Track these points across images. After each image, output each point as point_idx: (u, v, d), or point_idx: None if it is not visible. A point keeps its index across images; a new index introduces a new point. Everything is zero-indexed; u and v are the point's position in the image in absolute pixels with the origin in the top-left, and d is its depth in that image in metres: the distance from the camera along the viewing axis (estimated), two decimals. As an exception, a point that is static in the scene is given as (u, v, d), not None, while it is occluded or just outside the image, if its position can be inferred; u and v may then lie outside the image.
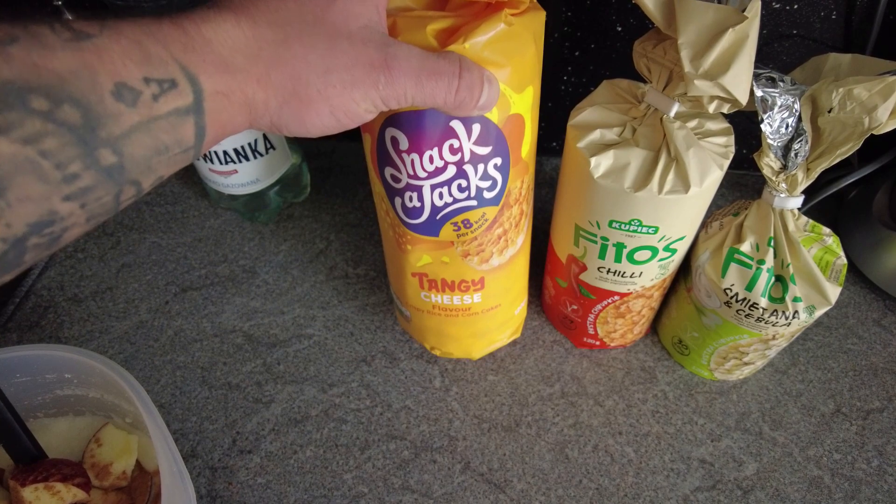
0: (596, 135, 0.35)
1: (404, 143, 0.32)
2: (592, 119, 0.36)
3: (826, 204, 0.57)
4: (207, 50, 0.20)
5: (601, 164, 0.34)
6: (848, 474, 0.42)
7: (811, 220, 0.40)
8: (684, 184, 0.33)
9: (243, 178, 0.52)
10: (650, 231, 0.36)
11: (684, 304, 0.43)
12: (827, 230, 0.40)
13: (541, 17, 0.32)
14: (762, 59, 0.51)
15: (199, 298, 0.53)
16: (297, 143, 0.58)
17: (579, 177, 0.36)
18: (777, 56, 0.50)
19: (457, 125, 0.31)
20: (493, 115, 0.31)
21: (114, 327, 0.51)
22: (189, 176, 0.62)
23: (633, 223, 0.35)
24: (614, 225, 0.36)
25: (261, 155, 0.51)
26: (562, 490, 0.42)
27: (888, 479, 0.42)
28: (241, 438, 0.45)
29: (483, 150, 0.33)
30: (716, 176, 0.34)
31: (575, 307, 0.45)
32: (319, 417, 0.46)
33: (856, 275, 0.52)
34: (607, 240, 0.37)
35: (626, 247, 0.37)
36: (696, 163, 0.33)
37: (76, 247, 0.56)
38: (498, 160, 0.34)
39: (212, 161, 0.50)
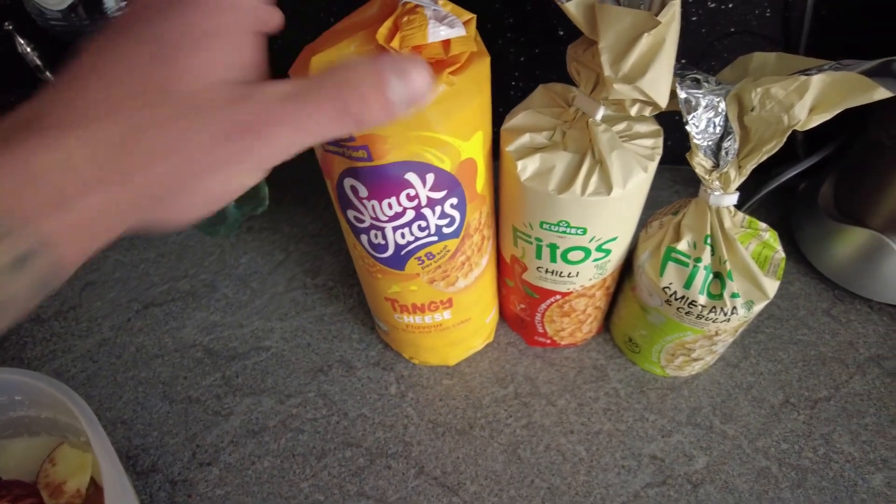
0: (525, 139, 0.36)
1: (363, 192, 0.34)
2: (523, 123, 0.37)
3: (778, 198, 0.58)
4: (42, 182, 0.17)
5: (528, 167, 0.35)
6: (795, 463, 0.43)
7: (748, 217, 0.41)
8: (607, 186, 0.34)
9: (198, 194, 0.52)
10: (579, 232, 0.36)
11: (631, 303, 0.44)
12: (764, 225, 0.41)
13: (485, 63, 0.33)
14: (706, 58, 0.52)
15: (161, 314, 0.53)
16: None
17: (511, 180, 0.36)
18: (719, 54, 0.51)
19: (411, 177, 0.33)
20: (446, 165, 0.33)
21: (76, 346, 0.52)
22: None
23: (561, 224, 0.36)
24: (545, 226, 0.37)
25: (214, 170, 0.51)
26: (514, 490, 0.42)
27: (834, 466, 0.43)
28: (200, 451, 0.45)
29: (438, 195, 0.34)
30: (640, 178, 0.34)
31: (523, 306, 0.46)
32: (277, 428, 0.46)
33: (807, 267, 0.53)
34: (541, 240, 0.38)
35: (558, 247, 0.38)
36: (619, 165, 0.34)
37: (39, 267, 0.57)
38: (454, 200, 0.35)
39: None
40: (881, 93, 0.31)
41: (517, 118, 0.37)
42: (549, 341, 0.48)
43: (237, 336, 0.51)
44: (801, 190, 0.55)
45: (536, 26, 0.50)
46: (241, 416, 0.47)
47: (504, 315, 0.51)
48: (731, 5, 0.47)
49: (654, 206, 0.44)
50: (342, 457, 0.44)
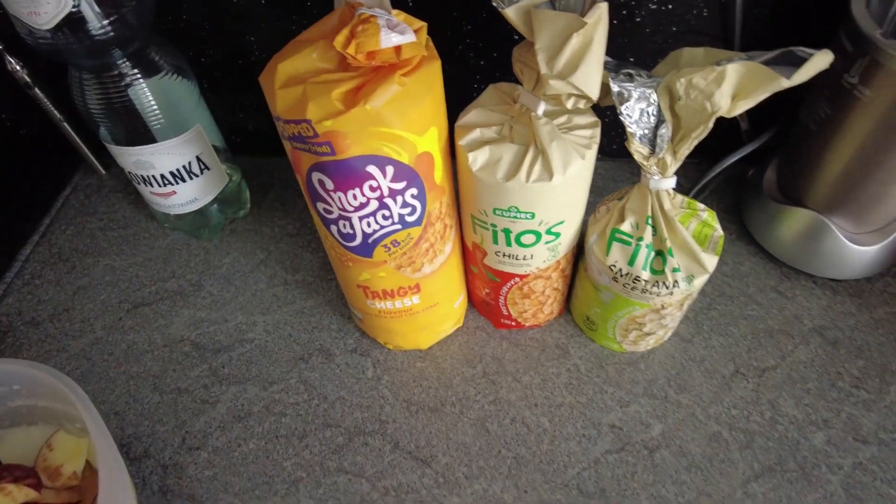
0: (476, 133, 0.39)
1: (330, 185, 0.37)
2: (474, 120, 0.40)
3: (731, 185, 0.62)
4: None
5: (478, 158, 0.38)
6: (744, 427, 0.46)
7: (687, 198, 0.44)
8: (549, 173, 0.37)
9: (182, 199, 0.55)
10: (528, 216, 0.40)
11: (585, 283, 0.48)
12: (702, 206, 0.44)
13: (435, 66, 0.37)
14: (657, 57, 0.56)
15: (150, 313, 0.56)
16: (236, 163, 0.62)
17: (465, 171, 0.40)
18: (664, 51, 0.54)
19: (372, 169, 0.36)
20: (404, 158, 0.36)
21: (70, 346, 0.55)
22: (139, 201, 0.65)
23: (511, 210, 0.39)
24: (497, 212, 0.40)
25: (196, 176, 0.54)
26: (483, 461, 0.45)
27: (779, 428, 0.46)
28: (189, 437, 0.48)
29: (399, 186, 0.37)
30: (578, 165, 0.38)
31: (488, 291, 0.49)
32: (261, 413, 0.49)
33: (756, 248, 0.57)
34: (496, 226, 0.41)
35: (511, 232, 0.41)
36: (559, 154, 0.37)
37: (33, 274, 0.60)
38: (414, 191, 0.38)
39: (151, 185, 0.54)
40: (786, 82, 0.35)
41: (469, 115, 0.41)
42: (514, 323, 0.51)
43: (222, 330, 0.55)
44: (749, 176, 0.58)
45: (493, 32, 0.53)
46: (228, 404, 0.50)
47: (472, 301, 0.54)
48: (671, 6, 0.51)
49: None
50: (322, 437, 0.47)
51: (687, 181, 0.62)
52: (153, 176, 0.53)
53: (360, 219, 0.39)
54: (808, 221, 0.51)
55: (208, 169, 0.55)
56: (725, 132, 0.60)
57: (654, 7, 0.51)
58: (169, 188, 0.54)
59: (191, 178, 0.54)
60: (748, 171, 0.59)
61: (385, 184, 0.37)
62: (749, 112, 0.58)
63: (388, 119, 0.34)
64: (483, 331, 0.53)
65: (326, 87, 0.33)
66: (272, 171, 0.67)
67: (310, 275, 0.58)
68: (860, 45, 0.41)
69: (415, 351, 0.52)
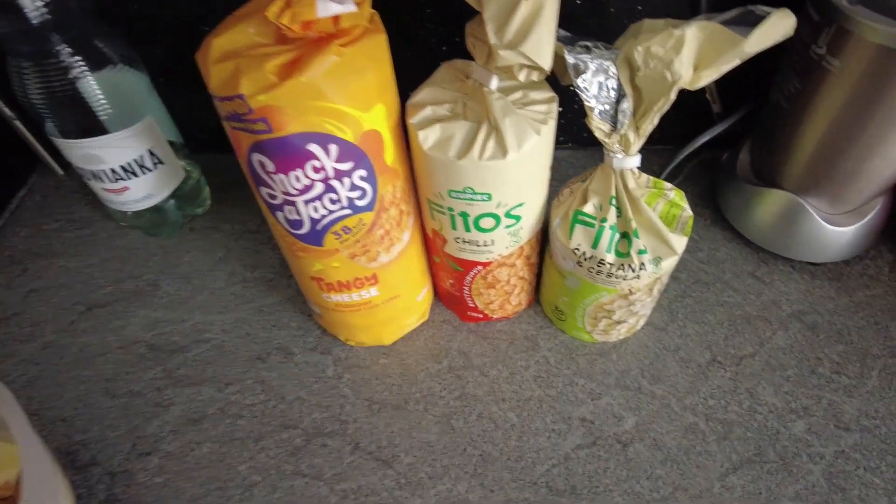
0: (427, 111, 0.38)
1: (270, 167, 0.35)
2: (426, 98, 0.38)
3: (705, 170, 0.60)
4: None
5: (429, 136, 0.36)
6: (721, 417, 0.44)
7: (652, 178, 0.42)
8: (503, 150, 0.35)
9: (136, 194, 0.53)
10: (485, 198, 0.38)
11: (551, 271, 0.45)
12: (669, 185, 0.42)
13: (380, 39, 0.35)
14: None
15: (105, 315, 0.54)
16: (195, 159, 0.60)
17: (417, 152, 0.38)
18: (632, 32, 0.53)
19: (314, 148, 0.34)
20: (348, 135, 0.34)
21: (19, 351, 0.52)
22: (97, 201, 0.63)
23: (467, 191, 0.37)
24: (453, 194, 0.38)
25: (149, 170, 0.52)
26: (447, 459, 0.43)
27: (758, 417, 0.44)
28: (140, 442, 0.46)
29: (345, 166, 0.35)
30: (534, 141, 0.36)
31: (451, 281, 0.47)
32: (216, 415, 0.47)
33: (732, 233, 0.55)
34: (452, 210, 0.39)
35: (469, 215, 0.39)
36: (512, 129, 0.35)
37: (-17, 277, 0.57)
38: (363, 172, 0.36)
39: (102, 180, 0.51)
40: (750, 44, 0.33)
41: (420, 94, 0.39)
42: (481, 316, 0.49)
43: (179, 331, 0.52)
44: (724, 160, 0.57)
45: (454, 15, 0.52)
46: (182, 406, 0.47)
47: (438, 293, 0.52)
48: (634, -16, 0.49)
49: (573, 176, 0.45)
50: (279, 438, 0.45)
51: (662, 169, 0.60)
52: (103, 171, 0.50)
53: (306, 203, 0.37)
54: (784, 203, 0.49)
55: (162, 163, 0.53)
56: (698, 116, 0.58)
57: (617, -15, 0.49)
58: (121, 183, 0.52)
59: (143, 173, 0.52)
60: (722, 155, 0.58)
61: (329, 164, 0.35)
62: (721, 93, 0.57)
63: (327, 92, 0.32)
64: (450, 324, 0.51)
65: (260, 60, 0.31)
66: (234, 169, 0.64)
67: (270, 271, 0.55)
68: (826, 13, 0.39)
69: (378, 347, 0.49)
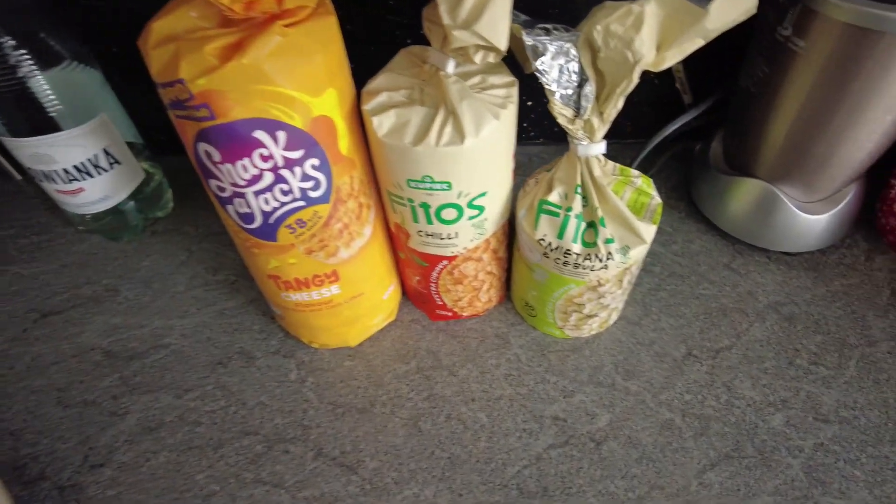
0: (383, 97, 0.36)
1: (217, 156, 0.33)
2: (382, 84, 0.37)
3: (679, 162, 0.59)
4: None
5: (383, 123, 0.35)
6: (698, 412, 0.43)
7: (619, 165, 0.41)
8: (460, 135, 0.34)
9: (92, 196, 0.51)
10: (444, 187, 0.36)
11: (519, 264, 0.44)
12: (636, 172, 0.41)
13: (329, 22, 0.33)
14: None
15: (60, 322, 0.52)
16: (157, 160, 0.58)
17: (373, 139, 0.36)
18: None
19: (260, 134, 0.32)
20: (297, 122, 0.33)
21: (-31, 361, 0.50)
22: (56, 206, 0.61)
23: (426, 180, 0.36)
24: (412, 184, 0.36)
25: (104, 171, 0.50)
26: (414, 463, 0.41)
27: (735, 411, 0.42)
28: (93, 454, 0.44)
29: (295, 155, 0.34)
30: (492, 126, 0.34)
31: (418, 278, 0.45)
32: (174, 423, 0.45)
33: (706, 225, 0.54)
34: (412, 201, 0.38)
35: (430, 206, 0.38)
36: (470, 114, 0.34)
37: (-67, 286, 0.55)
38: (315, 161, 0.35)
39: (55, 181, 0.49)
40: (711, 20, 0.32)
41: (376, 81, 0.37)
42: (450, 314, 0.48)
43: (137, 336, 0.50)
44: (697, 151, 0.56)
45: (417, 6, 0.50)
46: (138, 415, 0.45)
47: (406, 292, 0.50)
48: (599, -28, 0.48)
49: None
50: (239, 446, 0.43)
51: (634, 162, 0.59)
52: (55, 171, 0.48)
53: (256, 195, 0.35)
54: (757, 192, 0.48)
55: (119, 164, 0.51)
56: (670, 109, 0.57)
57: (582, -27, 0.48)
58: (75, 184, 0.50)
59: (99, 174, 0.50)
60: (695, 147, 0.57)
61: (278, 152, 0.33)
62: (693, 85, 0.56)
63: (271, 75, 0.31)
64: (418, 324, 0.49)
65: (200, 43, 0.30)
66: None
67: (233, 273, 0.54)
68: (791, -7, 0.38)
69: (343, 349, 0.48)
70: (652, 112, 0.59)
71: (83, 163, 0.49)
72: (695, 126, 0.54)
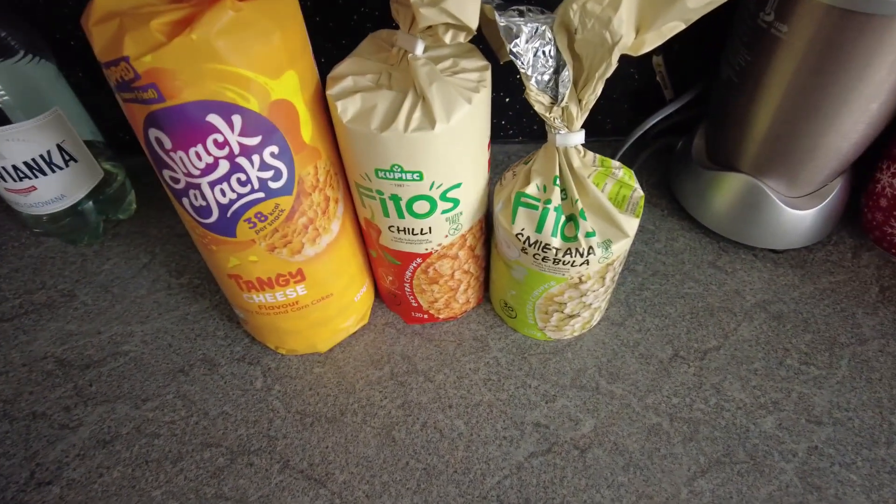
0: (348, 82, 0.34)
1: (168, 143, 0.31)
2: (348, 69, 0.35)
3: (661, 159, 0.58)
4: None
5: (348, 108, 0.33)
6: (686, 416, 0.41)
7: (599, 156, 0.39)
8: (430, 120, 0.32)
9: (45, 196, 0.48)
10: (416, 177, 0.34)
11: (497, 262, 0.42)
12: (616, 164, 0.39)
13: (287, 1, 0.31)
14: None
15: (10, 329, 0.48)
16: (120, 161, 0.55)
17: (338, 127, 0.34)
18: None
19: (214, 119, 0.30)
20: (253, 105, 0.31)
21: None
22: (11, 209, 0.58)
23: (395, 169, 0.34)
24: (380, 174, 0.34)
25: (59, 168, 0.48)
26: (387, 475, 0.39)
27: (725, 414, 0.41)
28: (40, 470, 0.40)
29: (252, 141, 0.32)
30: (464, 111, 0.32)
31: (391, 278, 0.43)
32: (130, 435, 0.42)
33: (690, 222, 0.52)
34: (382, 193, 0.36)
35: (401, 199, 0.35)
36: (440, 98, 0.32)
37: None
38: (274, 149, 0.33)
39: (3, 179, 0.47)
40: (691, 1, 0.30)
41: (342, 66, 0.35)
42: (426, 316, 0.45)
43: (94, 343, 0.47)
44: (678, 148, 0.54)
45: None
46: (91, 427, 0.42)
47: (380, 294, 0.48)
48: (577, -38, 0.47)
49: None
50: (200, 458, 0.40)
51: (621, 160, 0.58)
52: (4, 168, 0.46)
53: (212, 185, 0.32)
54: (741, 186, 0.47)
55: (75, 161, 0.49)
56: (651, 104, 0.56)
57: (559, -37, 0.47)
58: (26, 182, 0.47)
59: (53, 171, 0.47)
60: (676, 143, 0.55)
61: (233, 138, 0.31)
62: (674, 80, 0.55)
63: (224, 54, 0.28)
64: (393, 327, 0.47)
65: (146, 18, 0.28)
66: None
67: (197, 276, 0.51)
68: (773, -23, 0.37)
69: (312, 355, 0.45)
70: (632, 108, 0.58)
71: (35, 159, 0.46)
72: (676, 121, 0.53)
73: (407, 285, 0.42)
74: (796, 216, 0.46)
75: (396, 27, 0.35)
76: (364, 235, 0.42)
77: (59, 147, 0.47)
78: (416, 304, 0.44)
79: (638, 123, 0.54)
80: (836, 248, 0.50)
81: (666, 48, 0.51)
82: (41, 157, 0.46)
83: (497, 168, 0.59)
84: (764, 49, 0.39)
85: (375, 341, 0.46)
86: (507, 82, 0.55)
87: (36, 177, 0.47)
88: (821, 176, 0.44)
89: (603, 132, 0.60)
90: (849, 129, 0.40)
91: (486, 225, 0.42)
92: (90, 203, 0.52)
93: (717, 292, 0.47)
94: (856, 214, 0.51)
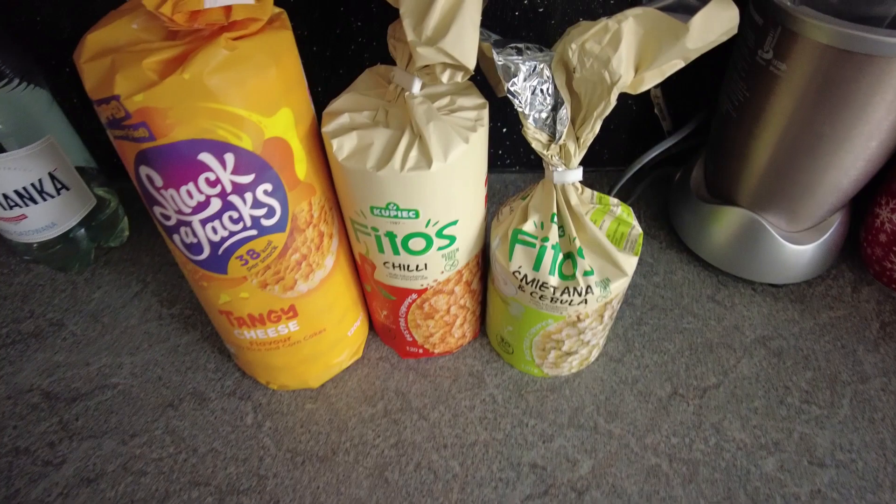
0: (344, 119, 0.34)
1: (159, 181, 0.30)
2: (344, 105, 0.35)
3: (659, 190, 0.58)
4: None
5: (344, 145, 0.32)
6: (686, 457, 0.40)
7: (597, 193, 0.39)
8: (427, 159, 0.31)
9: (36, 224, 0.48)
10: (411, 215, 0.33)
11: (494, 297, 0.41)
12: (615, 200, 0.39)
13: (283, 36, 0.31)
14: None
15: (-4, 360, 0.48)
16: (113, 187, 0.55)
17: (334, 163, 0.34)
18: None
19: (206, 157, 0.29)
20: (246, 143, 0.30)
21: None
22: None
23: (390, 207, 0.33)
24: (375, 211, 0.34)
25: (50, 196, 0.47)
26: (379, 517, 0.38)
27: (726, 455, 0.40)
28: (21, 510, 0.39)
29: (245, 179, 0.31)
30: (461, 149, 0.32)
31: (385, 312, 0.42)
32: (116, 472, 0.40)
33: (689, 255, 0.52)
34: (377, 230, 0.35)
35: (396, 236, 0.35)
36: (437, 137, 0.32)
37: None
38: (267, 186, 0.32)
39: (-6, 207, 0.46)
40: (692, 38, 0.30)
41: (338, 101, 0.35)
42: (421, 351, 0.45)
43: (81, 375, 0.46)
44: (677, 179, 0.54)
45: (384, 30, 0.49)
46: (76, 464, 0.41)
47: (375, 327, 0.47)
48: (575, -5, 0.47)
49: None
50: (188, 498, 0.39)
51: (612, 191, 0.57)
52: (-6, 197, 0.45)
53: (203, 223, 0.32)
54: (741, 221, 0.46)
55: (67, 189, 0.48)
56: (649, 136, 0.56)
57: (557, -4, 0.47)
58: (17, 211, 0.46)
59: (44, 200, 0.47)
60: (676, 174, 0.55)
61: (226, 177, 0.30)
62: (672, 111, 0.55)
63: (217, 92, 0.28)
64: (387, 362, 0.46)
65: (139, 56, 0.27)
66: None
67: (189, 306, 0.50)
68: (770, 15, 0.37)
69: (304, 390, 0.44)
70: (629, 139, 0.57)
71: (26, 188, 0.45)
72: (674, 152, 0.53)
73: (402, 320, 0.42)
74: (796, 251, 0.46)
75: (395, 62, 0.34)
76: (359, 269, 0.41)
77: (52, 175, 0.46)
78: (410, 339, 0.43)
79: (635, 154, 0.54)
80: (835, 283, 0.50)
81: (664, 80, 0.51)
82: (32, 185, 0.46)
83: (494, 197, 0.58)
84: (762, 85, 0.39)
85: (369, 376, 0.45)
86: (504, 113, 0.55)
87: (27, 205, 0.46)
88: (820, 211, 0.44)
89: (600, 162, 0.59)
90: (849, 166, 0.40)
91: (483, 259, 0.42)
92: (82, 230, 0.51)
93: (717, 327, 0.47)
94: (855, 247, 0.51)
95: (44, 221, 0.48)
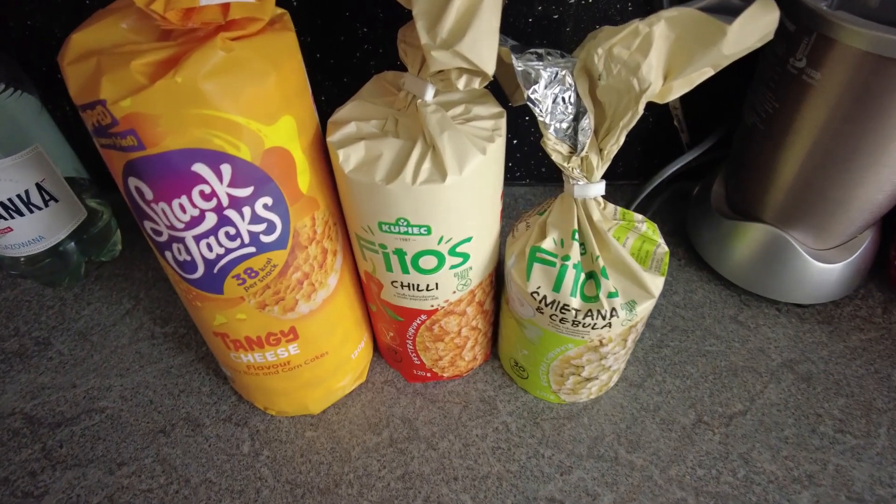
0: (351, 128, 0.31)
1: (149, 194, 0.28)
2: (350, 114, 0.32)
3: (676, 205, 0.55)
4: None
5: (351, 156, 0.30)
6: (713, 490, 0.37)
7: (620, 208, 0.37)
8: (441, 172, 0.29)
9: (22, 237, 0.45)
10: (423, 231, 0.31)
11: (508, 319, 0.39)
12: (639, 217, 0.37)
13: (286, 38, 0.29)
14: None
15: (-22, 382, 0.45)
16: (106, 199, 0.52)
17: (339, 176, 0.31)
18: (591, 56, 0.48)
19: (201, 168, 0.27)
20: (244, 154, 0.28)
21: None
22: (-11, 247, 0.55)
23: (400, 223, 0.31)
24: (384, 227, 0.31)
25: (38, 208, 0.44)
26: (385, 557, 0.35)
27: (756, 488, 0.37)
28: (-2, 547, 0.36)
29: (243, 193, 0.29)
30: (477, 161, 0.30)
31: (392, 334, 0.40)
32: (101, 507, 0.38)
33: (709, 273, 0.49)
34: (385, 247, 0.33)
35: (406, 253, 0.32)
36: (452, 148, 0.29)
37: None
38: (267, 200, 0.30)
39: (-23, 220, 0.43)
40: (728, 43, 0.28)
41: (344, 110, 0.33)
42: (429, 374, 0.42)
43: (67, 398, 0.43)
44: (696, 194, 0.52)
45: (392, 33, 0.47)
46: (58, 496, 0.38)
47: (379, 349, 0.44)
48: (590, 0, 0.45)
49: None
50: (177, 536, 0.36)
51: (628, 206, 0.55)
52: (-22, 209, 0.43)
53: (197, 240, 0.29)
54: (765, 238, 0.44)
55: (55, 200, 0.45)
56: (666, 148, 0.54)
57: (572, 1, 0.45)
58: (2, 224, 0.44)
59: (31, 212, 0.44)
60: (694, 188, 0.53)
61: (222, 189, 0.28)
62: (690, 122, 0.53)
63: (212, 98, 0.26)
64: (392, 386, 0.43)
65: (127, 58, 0.25)
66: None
67: (182, 325, 0.47)
68: (804, 21, 0.35)
69: (304, 417, 0.41)
70: (645, 152, 0.55)
71: (11, 199, 0.43)
72: (694, 166, 0.51)
73: (409, 342, 0.39)
74: (824, 269, 0.43)
75: (403, 68, 0.32)
76: (364, 288, 0.39)
77: (39, 186, 0.44)
78: (418, 362, 0.41)
79: (650, 167, 0.52)
80: (864, 303, 0.47)
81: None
82: (18, 196, 0.43)
83: (504, 212, 0.56)
84: (793, 96, 0.37)
85: (373, 402, 0.42)
86: (514, 124, 0.53)
87: (12, 217, 0.44)
88: (852, 227, 0.42)
89: (614, 176, 0.57)
90: (884, 181, 0.38)
91: (496, 277, 0.39)
92: (72, 244, 0.49)
93: (741, 350, 0.44)
94: (882, 266, 0.49)
95: (31, 234, 0.45)
